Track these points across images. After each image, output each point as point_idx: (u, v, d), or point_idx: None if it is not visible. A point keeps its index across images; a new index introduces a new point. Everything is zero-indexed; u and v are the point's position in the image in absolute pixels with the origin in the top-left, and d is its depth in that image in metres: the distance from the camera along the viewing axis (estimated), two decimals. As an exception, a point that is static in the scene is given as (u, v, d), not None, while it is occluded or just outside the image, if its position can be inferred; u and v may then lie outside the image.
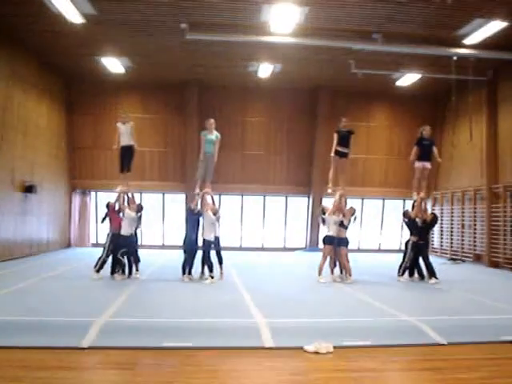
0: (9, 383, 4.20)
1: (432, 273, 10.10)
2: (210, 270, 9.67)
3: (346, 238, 10.12)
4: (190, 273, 9.79)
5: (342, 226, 10.07)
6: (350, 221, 10.15)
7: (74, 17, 10.89)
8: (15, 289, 8.25)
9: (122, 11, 10.99)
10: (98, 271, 9.59)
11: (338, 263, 10.32)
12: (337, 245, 10.05)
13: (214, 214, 9.86)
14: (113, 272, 9.73)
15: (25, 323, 5.83)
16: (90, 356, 5.02)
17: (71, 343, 5.19)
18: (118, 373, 4.61)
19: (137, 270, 9.88)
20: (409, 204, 18.50)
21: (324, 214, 10.30)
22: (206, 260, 9.71)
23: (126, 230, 9.66)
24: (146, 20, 11.49)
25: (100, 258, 9.66)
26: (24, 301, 7.20)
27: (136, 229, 10.01)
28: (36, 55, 14.23)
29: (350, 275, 9.93)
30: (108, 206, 10.09)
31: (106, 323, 5.89)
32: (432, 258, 10.95)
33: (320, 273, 9.97)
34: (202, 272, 9.98)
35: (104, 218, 10.04)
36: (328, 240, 10.07)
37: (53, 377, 4.38)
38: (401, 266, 10.43)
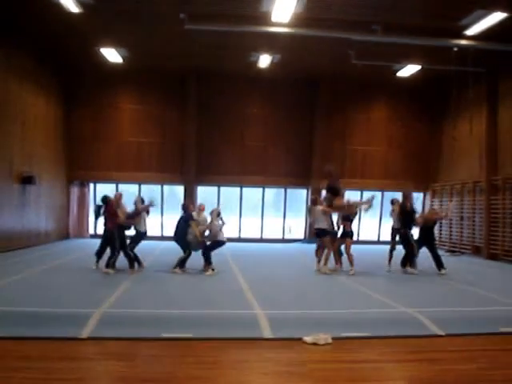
0: (9, 373, 4.20)
1: (412, 263, 10.16)
2: (210, 263, 9.73)
3: (351, 231, 10.25)
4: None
5: (347, 219, 10.17)
6: (356, 212, 10.26)
7: (72, 6, 10.78)
8: (14, 280, 8.26)
9: (119, 0, 10.89)
10: (112, 267, 9.45)
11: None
12: (341, 236, 10.21)
13: (218, 215, 9.83)
14: (132, 266, 9.60)
15: (24, 314, 5.84)
16: (90, 346, 5.04)
17: (71, 334, 5.20)
18: (118, 363, 4.62)
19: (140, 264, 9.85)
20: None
21: (314, 204, 10.25)
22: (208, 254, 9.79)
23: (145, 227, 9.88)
24: (145, 10, 11.38)
25: (111, 258, 9.48)
26: (24, 292, 7.21)
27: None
28: (33, 46, 14.11)
29: (353, 266, 10.00)
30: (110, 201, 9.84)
31: (106, 314, 5.90)
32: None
33: (326, 263, 10.03)
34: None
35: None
36: (321, 233, 10.15)
37: (52, 367, 4.40)
38: (406, 259, 10.32)
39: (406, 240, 10.23)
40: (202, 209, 10.47)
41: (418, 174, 18.16)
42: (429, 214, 10.55)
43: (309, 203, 10.48)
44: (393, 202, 11.05)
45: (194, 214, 10.06)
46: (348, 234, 10.16)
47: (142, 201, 10.06)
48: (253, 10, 11.05)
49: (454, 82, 13.93)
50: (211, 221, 9.76)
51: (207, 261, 9.75)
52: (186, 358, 4.77)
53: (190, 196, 16.87)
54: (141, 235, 9.88)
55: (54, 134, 16.20)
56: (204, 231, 10.04)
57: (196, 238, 9.64)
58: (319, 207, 10.18)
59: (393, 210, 10.92)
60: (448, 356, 4.99)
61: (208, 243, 9.86)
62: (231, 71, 16.64)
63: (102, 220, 9.69)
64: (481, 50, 12.47)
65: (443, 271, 10.25)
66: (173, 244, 10.32)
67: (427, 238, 10.49)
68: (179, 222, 9.96)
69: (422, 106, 18.09)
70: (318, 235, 10.37)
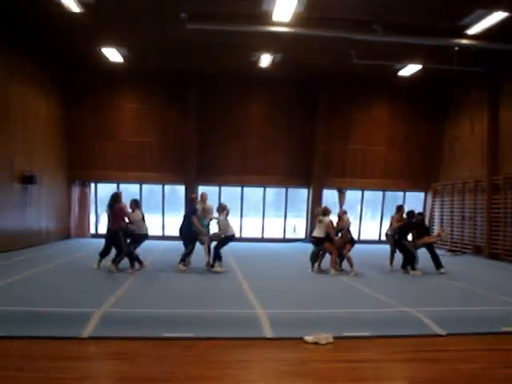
0: (10, 373, 4.21)
1: (413, 266, 10.19)
2: (220, 259, 9.84)
3: (352, 237, 10.36)
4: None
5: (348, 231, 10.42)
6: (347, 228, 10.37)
7: (73, 6, 10.79)
8: (16, 279, 8.27)
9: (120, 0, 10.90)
10: (116, 266, 9.46)
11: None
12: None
13: (223, 209, 9.95)
14: (132, 265, 9.65)
15: (26, 313, 5.85)
16: (91, 346, 5.05)
17: (72, 333, 5.21)
18: (119, 363, 4.62)
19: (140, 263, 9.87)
20: (409, 196, 18.62)
21: (325, 215, 10.22)
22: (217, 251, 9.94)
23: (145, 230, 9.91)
24: (146, 9, 11.38)
25: (118, 256, 9.50)
26: (25, 291, 7.22)
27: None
28: (34, 46, 14.10)
29: (353, 267, 10.00)
30: (117, 196, 9.72)
31: (107, 313, 5.91)
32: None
33: (332, 266, 10.03)
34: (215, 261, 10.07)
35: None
36: (317, 241, 10.16)
37: (54, 366, 4.41)
38: (406, 263, 10.34)
39: (403, 246, 10.32)
40: (204, 198, 10.49)
41: (418, 174, 18.16)
42: (428, 238, 10.63)
43: (319, 211, 10.47)
44: (400, 210, 10.95)
45: (199, 206, 10.11)
46: (349, 240, 10.25)
47: (137, 203, 10.01)
48: (254, 10, 11.05)
49: (455, 81, 13.90)
50: (222, 218, 9.84)
51: (217, 257, 9.80)
52: (186, 358, 4.77)
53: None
54: (141, 237, 9.87)
55: (55, 134, 16.20)
56: (210, 220, 10.16)
57: (203, 235, 9.88)
58: (327, 220, 10.13)
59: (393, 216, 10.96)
60: (449, 355, 4.99)
61: (217, 240, 9.94)
62: (232, 71, 16.62)
63: (105, 218, 9.68)
64: (482, 50, 12.45)
65: (442, 270, 10.28)
66: (174, 244, 10.36)
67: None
68: (185, 217, 10.07)
69: (423, 105, 18.07)
70: (314, 243, 10.36)
